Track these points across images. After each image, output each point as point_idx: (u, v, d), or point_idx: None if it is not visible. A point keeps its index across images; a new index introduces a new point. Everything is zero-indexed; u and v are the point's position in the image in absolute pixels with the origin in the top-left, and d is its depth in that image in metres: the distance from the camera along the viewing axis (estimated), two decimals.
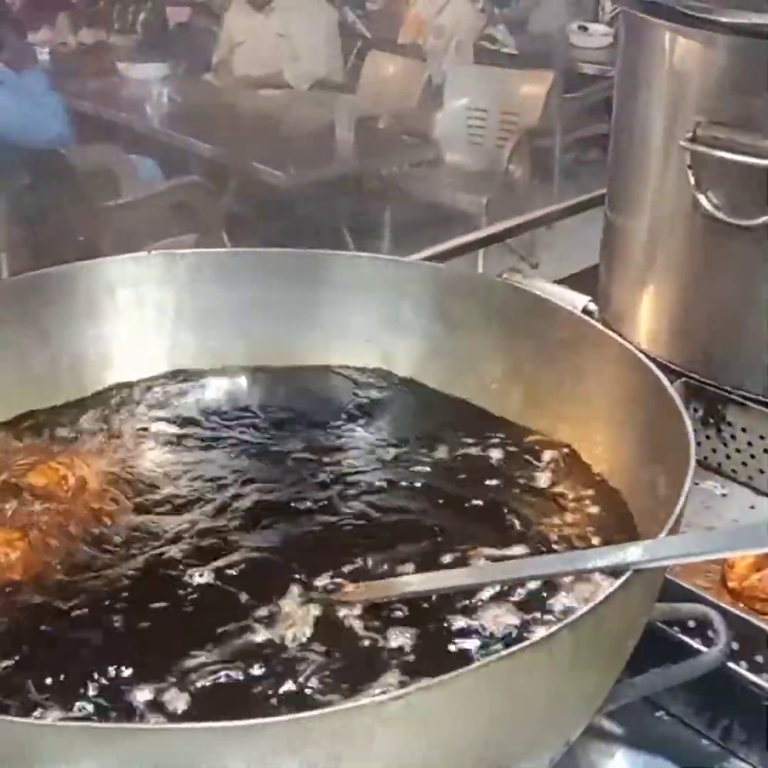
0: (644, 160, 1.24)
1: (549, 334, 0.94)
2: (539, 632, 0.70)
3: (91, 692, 0.66)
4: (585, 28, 5.68)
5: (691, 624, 0.82)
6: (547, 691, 0.61)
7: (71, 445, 0.93)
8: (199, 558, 0.79)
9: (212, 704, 0.66)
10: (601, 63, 5.21)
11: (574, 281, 1.36)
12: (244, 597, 0.74)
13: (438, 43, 5.22)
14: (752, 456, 1.09)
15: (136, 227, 3.42)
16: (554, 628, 0.58)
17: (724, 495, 1.09)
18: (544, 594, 0.74)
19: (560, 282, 1.33)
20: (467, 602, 0.73)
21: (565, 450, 0.92)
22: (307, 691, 0.67)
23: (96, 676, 0.68)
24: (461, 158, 4.67)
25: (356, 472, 0.90)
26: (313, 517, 0.84)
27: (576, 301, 1.19)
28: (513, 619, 0.73)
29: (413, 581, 0.75)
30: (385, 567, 0.78)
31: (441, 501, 0.86)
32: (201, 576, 0.77)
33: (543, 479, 0.89)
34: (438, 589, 0.74)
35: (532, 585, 0.75)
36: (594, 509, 0.86)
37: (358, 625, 0.72)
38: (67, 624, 0.73)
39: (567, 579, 0.75)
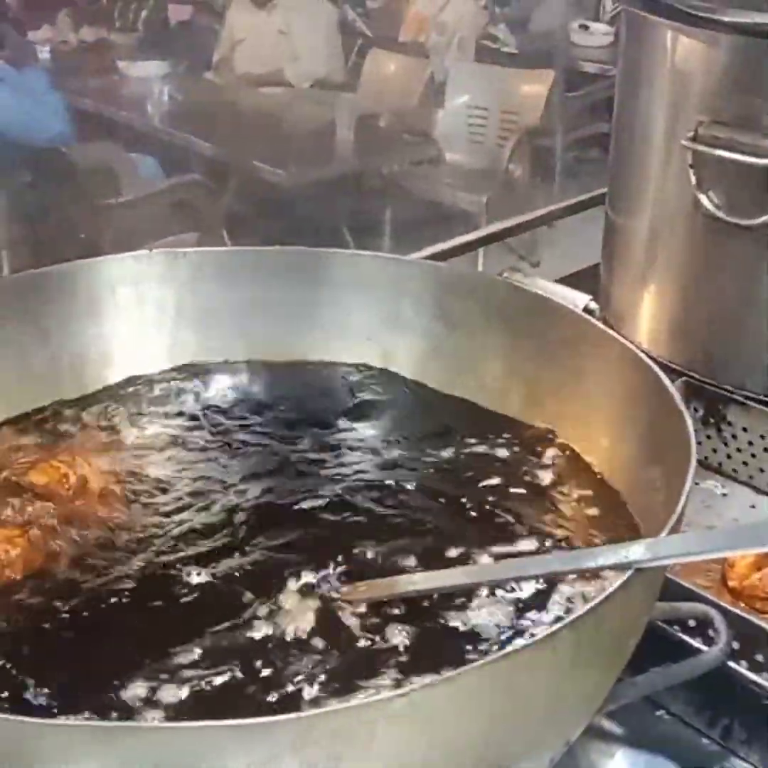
0: (645, 160, 1.24)
1: (550, 333, 0.94)
2: (539, 631, 0.70)
3: (90, 691, 0.66)
4: (586, 27, 5.67)
5: (692, 623, 0.82)
6: (548, 691, 0.61)
7: (72, 444, 0.93)
8: (199, 557, 0.79)
9: (209, 702, 0.66)
10: (602, 62, 5.21)
11: (574, 280, 1.36)
12: (244, 596, 0.74)
13: (439, 41, 5.22)
14: (753, 455, 1.09)
15: (137, 225, 3.42)
16: (555, 627, 0.58)
17: (724, 494, 1.09)
18: (545, 592, 0.74)
19: (561, 281, 1.33)
20: (466, 600, 0.73)
21: (566, 449, 0.91)
22: (306, 689, 0.67)
23: (95, 674, 0.68)
24: (462, 157, 4.67)
25: (358, 472, 0.90)
26: (316, 517, 0.84)
27: (577, 300, 1.19)
28: (512, 618, 0.73)
29: (415, 580, 0.75)
30: (389, 566, 0.78)
31: (443, 500, 0.86)
32: (201, 575, 0.77)
33: (544, 478, 0.89)
34: (440, 588, 0.74)
35: (533, 583, 0.75)
36: (594, 508, 0.86)
37: (357, 623, 0.72)
38: (66, 623, 0.73)
39: (568, 577, 0.75)
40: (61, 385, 0.98)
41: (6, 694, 0.66)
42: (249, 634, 0.71)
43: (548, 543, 0.81)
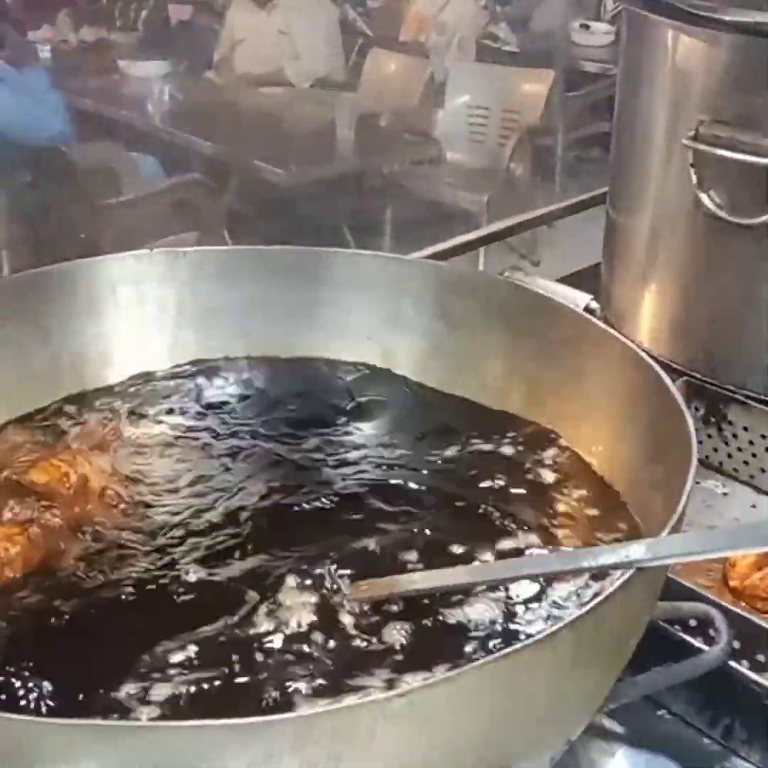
0: (646, 159, 1.24)
1: (551, 332, 0.94)
2: (539, 631, 0.70)
3: (90, 690, 0.66)
4: (587, 27, 5.67)
5: (693, 623, 0.82)
6: (549, 690, 0.61)
7: (73, 443, 0.93)
8: (200, 556, 0.79)
9: (208, 701, 0.66)
10: (603, 61, 5.21)
11: (575, 280, 1.36)
12: (245, 595, 0.74)
13: (440, 41, 5.22)
14: (753, 455, 1.09)
15: (137, 225, 3.42)
16: (556, 626, 0.58)
17: (725, 494, 1.09)
18: (545, 591, 0.74)
19: (562, 280, 1.33)
20: (464, 597, 0.73)
21: (567, 449, 0.91)
22: (305, 687, 0.67)
23: (94, 673, 0.67)
24: (462, 156, 4.67)
25: (359, 471, 0.90)
26: (318, 516, 0.84)
27: (578, 299, 1.19)
28: (512, 616, 0.73)
29: (416, 579, 0.75)
30: (391, 564, 0.78)
31: (444, 499, 0.86)
32: (202, 574, 0.77)
33: (544, 478, 0.89)
34: (442, 587, 0.74)
35: (533, 582, 0.75)
36: (595, 508, 0.85)
37: (357, 621, 0.72)
38: (66, 621, 0.73)
39: (569, 576, 0.75)
40: (61, 384, 0.98)
41: (4, 693, 0.66)
42: (249, 633, 0.71)
43: (549, 542, 0.81)
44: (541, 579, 0.75)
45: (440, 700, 0.56)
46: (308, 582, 0.75)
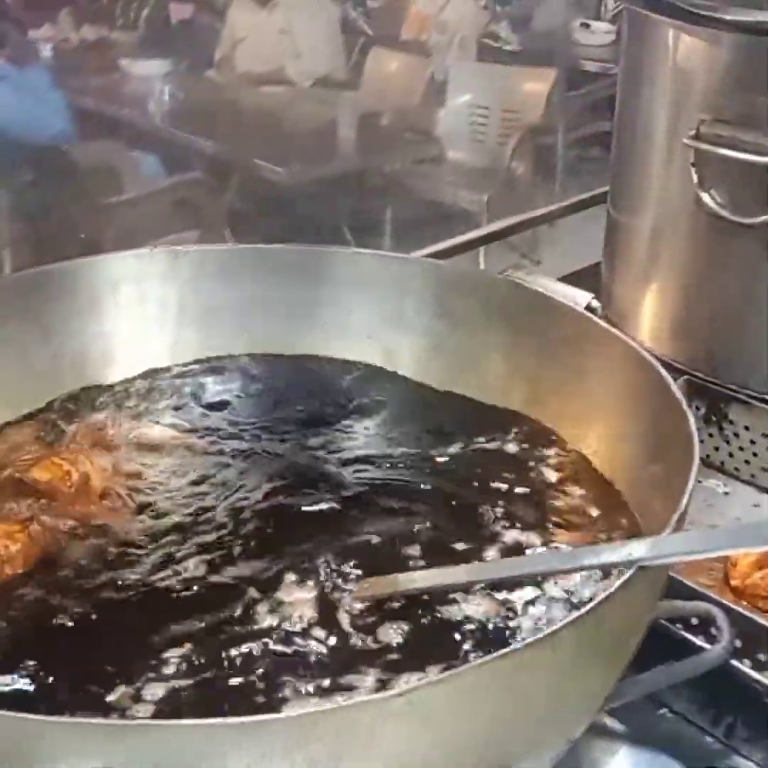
0: (647, 158, 1.24)
1: (552, 331, 0.94)
2: (539, 630, 0.70)
3: (89, 688, 0.66)
4: (587, 26, 5.66)
5: (694, 621, 0.82)
6: (550, 689, 0.61)
7: (74, 442, 0.93)
8: (201, 554, 0.79)
9: (207, 700, 0.66)
10: (604, 60, 5.20)
11: (576, 279, 1.36)
12: (246, 595, 0.74)
13: (441, 40, 5.21)
14: (755, 454, 1.09)
15: (138, 224, 3.42)
16: (557, 625, 0.58)
17: (726, 493, 1.09)
18: (545, 590, 0.74)
19: (562, 279, 1.33)
20: (464, 595, 0.73)
21: (567, 448, 0.91)
22: (305, 686, 0.67)
23: (94, 671, 0.67)
24: (463, 155, 4.67)
25: (361, 470, 0.90)
26: (320, 515, 0.84)
27: (579, 298, 1.19)
28: (512, 615, 0.73)
29: (417, 577, 0.75)
30: (394, 562, 0.78)
31: (446, 497, 0.86)
32: (203, 573, 0.77)
33: (545, 477, 0.89)
34: (442, 586, 0.74)
35: (534, 581, 0.75)
36: (596, 506, 0.85)
37: (357, 620, 0.72)
38: (66, 619, 0.73)
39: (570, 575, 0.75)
40: (63, 383, 0.98)
41: (3, 691, 0.66)
42: (249, 630, 0.71)
43: (550, 541, 0.81)
44: (542, 578, 0.75)
45: (441, 699, 0.56)
46: (309, 581, 0.75)
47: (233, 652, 0.69)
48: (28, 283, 0.98)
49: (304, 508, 0.85)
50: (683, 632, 0.83)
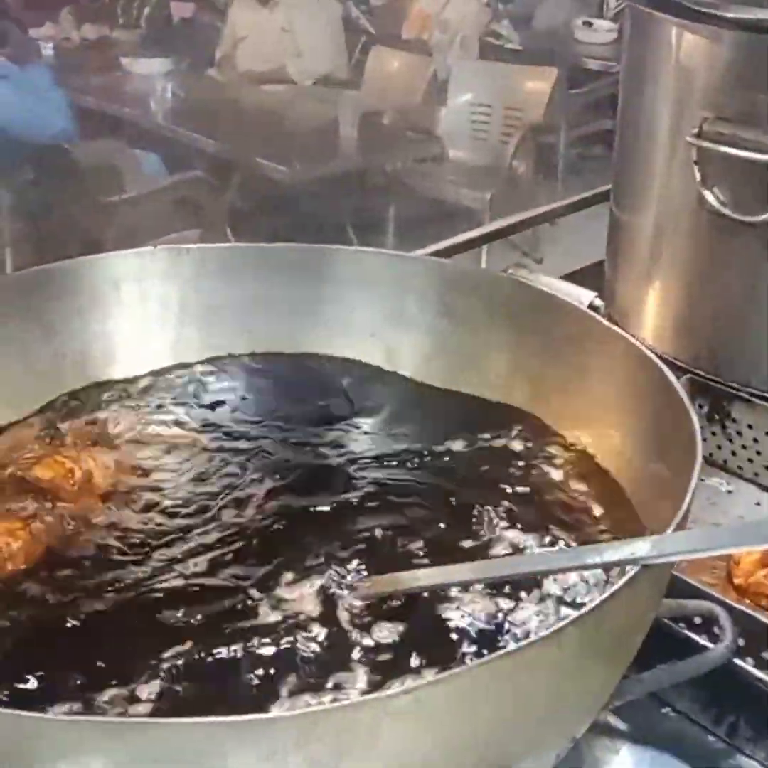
0: (650, 156, 1.24)
1: (554, 329, 0.94)
2: (541, 629, 0.70)
3: (89, 686, 0.66)
4: (590, 24, 5.67)
5: (697, 620, 0.82)
6: (552, 689, 0.61)
7: (77, 440, 0.93)
8: (203, 552, 0.79)
9: (207, 699, 0.66)
10: (606, 59, 5.21)
11: (579, 277, 1.36)
12: (247, 594, 0.74)
13: (442, 38, 5.22)
14: (758, 452, 1.09)
15: (140, 222, 3.42)
16: (560, 624, 0.58)
17: (729, 491, 1.09)
18: (545, 589, 0.74)
19: (565, 278, 1.33)
20: (464, 594, 0.73)
21: (570, 446, 0.91)
22: (304, 684, 0.67)
23: (94, 669, 0.67)
24: (465, 154, 4.67)
25: (363, 469, 0.90)
26: (322, 514, 0.84)
27: (581, 296, 1.19)
28: (512, 614, 0.73)
29: (420, 575, 0.75)
30: (396, 560, 0.77)
31: (449, 495, 0.86)
32: (205, 572, 0.77)
33: (548, 475, 0.89)
34: (445, 584, 0.74)
35: (535, 580, 0.75)
36: (599, 505, 0.85)
37: (356, 619, 0.72)
38: (67, 617, 0.73)
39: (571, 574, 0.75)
40: (65, 381, 0.98)
41: (5, 690, 0.66)
42: (248, 627, 0.71)
43: (553, 539, 0.81)
44: (546, 576, 0.75)
45: (443, 697, 0.56)
46: (311, 579, 0.75)
47: (234, 650, 0.69)
48: (29, 282, 0.98)
49: (307, 505, 0.84)
50: (686, 631, 0.83)
